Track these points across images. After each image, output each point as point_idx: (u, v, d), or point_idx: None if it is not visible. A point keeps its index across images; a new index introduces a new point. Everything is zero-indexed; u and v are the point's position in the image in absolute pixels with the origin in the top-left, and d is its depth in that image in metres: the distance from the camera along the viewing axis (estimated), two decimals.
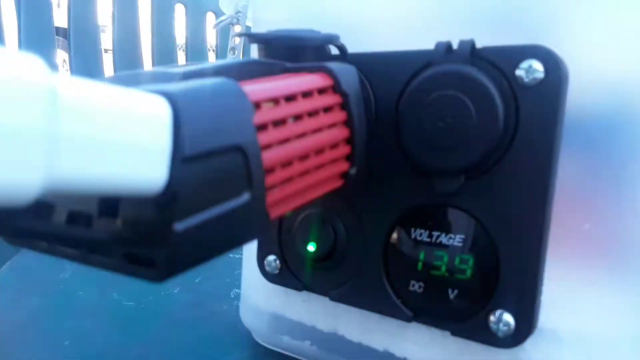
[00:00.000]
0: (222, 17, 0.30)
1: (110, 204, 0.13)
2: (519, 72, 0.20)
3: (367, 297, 0.24)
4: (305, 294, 0.27)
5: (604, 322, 0.21)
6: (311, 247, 0.25)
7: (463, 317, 0.22)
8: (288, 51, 0.21)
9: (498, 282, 0.21)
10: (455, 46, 0.21)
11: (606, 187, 0.20)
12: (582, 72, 0.20)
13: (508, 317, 0.21)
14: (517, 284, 0.21)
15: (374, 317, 0.25)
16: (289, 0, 0.28)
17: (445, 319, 0.22)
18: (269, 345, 0.30)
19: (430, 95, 0.21)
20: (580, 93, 0.20)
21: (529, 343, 0.21)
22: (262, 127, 0.15)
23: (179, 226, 0.12)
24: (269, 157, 0.15)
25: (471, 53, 0.21)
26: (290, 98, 0.16)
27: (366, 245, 0.24)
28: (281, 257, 0.27)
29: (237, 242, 0.14)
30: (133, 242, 0.12)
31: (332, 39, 0.22)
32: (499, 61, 0.20)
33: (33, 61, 0.09)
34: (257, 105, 0.15)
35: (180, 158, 0.12)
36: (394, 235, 0.23)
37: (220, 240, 0.14)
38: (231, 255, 0.47)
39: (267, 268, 0.27)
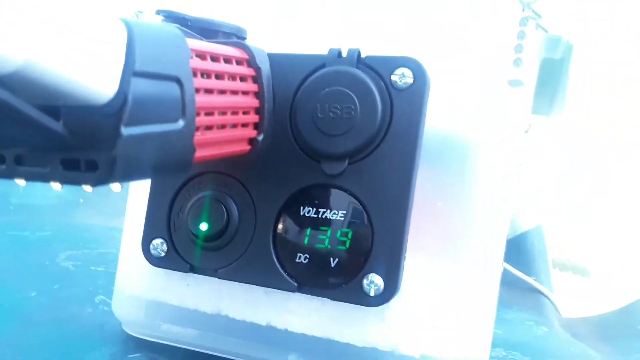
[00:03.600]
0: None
1: (51, 110, 0.13)
2: (394, 77, 0.25)
3: (255, 272, 0.26)
4: (190, 277, 0.28)
5: (450, 290, 0.25)
6: (204, 226, 0.26)
7: (341, 283, 0.25)
8: (201, 32, 0.23)
9: (371, 250, 0.24)
10: (344, 53, 0.25)
11: (453, 178, 0.26)
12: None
13: (378, 279, 0.24)
14: (386, 252, 0.24)
15: (258, 293, 0.27)
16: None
17: (326, 287, 0.25)
18: (144, 336, 0.30)
19: (324, 90, 0.24)
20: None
21: (393, 304, 0.25)
22: (193, 73, 0.17)
23: (126, 131, 0.13)
24: (196, 99, 0.17)
25: (357, 59, 0.25)
26: (214, 58, 0.18)
27: (257, 223, 0.26)
28: (169, 240, 0.27)
29: (167, 168, 0.16)
30: (77, 146, 0.13)
31: (241, 32, 0.24)
32: (378, 67, 0.25)
33: None
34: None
35: (131, 71, 0.13)
36: (284, 213, 0.26)
37: (154, 159, 0.15)
38: (92, 267, 0.45)
39: (152, 252, 0.28)
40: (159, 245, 0.28)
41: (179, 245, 0.27)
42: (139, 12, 0.33)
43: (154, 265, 0.28)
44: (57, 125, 0.13)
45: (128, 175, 0.14)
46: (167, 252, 0.27)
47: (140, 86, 0.14)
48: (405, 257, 0.24)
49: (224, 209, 0.26)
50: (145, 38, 0.14)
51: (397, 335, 0.25)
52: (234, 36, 0.25)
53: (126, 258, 0.30)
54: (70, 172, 0.13)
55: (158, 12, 0.23)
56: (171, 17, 0.23)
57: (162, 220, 0.28)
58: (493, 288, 0.26)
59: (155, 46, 0.14)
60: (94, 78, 0.13)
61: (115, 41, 0.13)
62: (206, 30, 0.23)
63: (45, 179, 0.14)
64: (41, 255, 0.44)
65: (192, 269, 0.27)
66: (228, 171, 0.26)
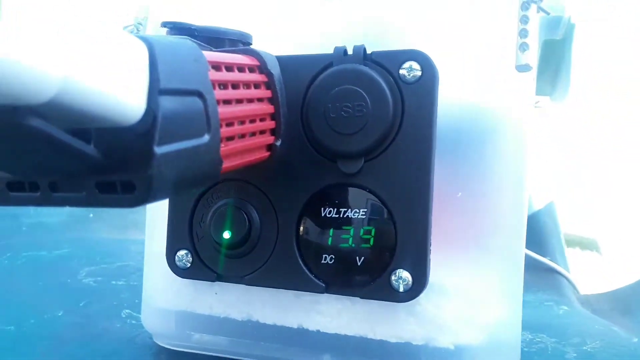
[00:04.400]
0: (126, 25, 0.31)
1: (81, 134, 0.13)
2: (402, 71, 0.25)
3: (282, 277, 0.26)
4: (217, 286, 0.28)
5: (477, 279, 0.26)
6: (227, 234, 0.26)
7: (369, 281, 0.25)
8: (208, 41, 0.23)
9: (396, 246, 0.25)
10: (350, 51, 0.25)
11: (470, 167, 0.26)
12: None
13: (406, 275, 0.24)
14: (411, 246, 0.24)
15: (287, 297, 0.27)
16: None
17: (354, 286, 0.25)
18: (177, 347, 0.30)
19: (334, 89, 0.25)
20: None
21: (423, 298, 0.25)
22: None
23: (159, 150, 0.13)
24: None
25: (363, 56, 0.25)
26: (229, 68, 0.18)
27: (279, 228, 0.26)
28: (193, 251, 0.28)
29: (197, 182, 0.16)
30: (112, 169, 0.13)
31: (246, 37, 0.25)
32: (385, 62, 0.25)
33: None
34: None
35: (157, 89, 0.14)
36: (305, 216, 0.26)
37: (186, 175, 0.15)
38: (113, 282, 0.45)
39: (178, 264, 0.28)
40: (184, 257, 0.28)
41: (203, 255, 0.28)
42: (139, 23, 0.34)
43: (181, 277, 0.28)
44: (91, 150, 0.13)
45: (163, 193, 0.14)
46: (192, 263, 0.28)
47: (166, 104, 0.14)
48: (430, 250, 0.25)
49: (244, 216, 0.26)
50: (165, 55, 0.14)
51: (430, 328, 0.25)
52: (240, 42, 0.25)
53: (151, 271, 0.31)
54: (107, 195, 0.14)
55: (164, 25, 0.23)
56: (177, 28, 0.23)
57: (185, 232, 0.28)
58: (519, 272, 0.26)
59: (176, 62, 0.15)
60: (123, 99, 0.13)
61: (138, 60, 0.13)
62: (213, 39, 0.23)
63: (83, 204, 0.14)
64: (61, 273, 0.45)
65: (219, 278, 0.27)
66: (245, 178, 0.27)
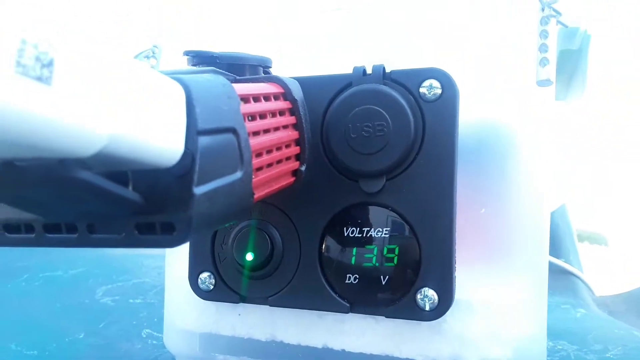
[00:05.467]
0: (143, 50, 0.31)
1: (118, 177, 0.13)
2: (422, 90, 0.25)
3: (306, 297, 0.26)
4: (240, 307, 0.28)
5: (502, 293, 0.26)
6: (249, 256, 0.26)
7: (394, 300, 0.25)
8: (229, 68, 0.23)
9: (420, 264, 0.25)
10: (369, 70, 0.25)
11: (493, 182, 0.26)
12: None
13: (432, 293, 0.24)
14: (436, 264, 0.24)
15: (311, 317, 0.27)
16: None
17: (379, 305, 0.25)
18: None
19: (354, 109, 0.25)
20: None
21: (448, 315, 0.25)
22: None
23: (197, 190, 0.13)
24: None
25: (383, 75, 0.25)
26: (256, 99, 0.19)
27: (301, 249, 0.26)
28: (216, 273, 0.28)
29: (232, 217, 0.16)
30: (151, 210, 0.13)
31: (265, 62, 0.25)
32: (405, 81, 0.25)
33: None
34: None
35: (195, 131, 0.14)
36: (328, 236, 0.26)
37: (221, 210, 0.15)
38: (131, 300, 0.45)
39: (201, 286, 0.28)
40: (206, 279, 0.28)
41: (226, 277, 0.28)
42: (155, 46, 0.34)
43: (204, 299, 0.28)
44: (131, 194, 0.13)
45: (200, 230, 0.14)
46: (215, 285, 0.28)
47: (204, 144, 0.14)
48: (455, 268, 0.24)
49: (267, 237, 0.26)
50: (201, 95, 0.14)
51: (456, 345, 0.25)
52: (261, 67, 0.25)
53: (172, 293, 0.31)
54: (146, 236, 0.14)
55: (186, 53, 0.23)
56: (199, 56, 0.23)
57: (207, 254, 0.28)
58: (543, 285, 0.26)
59: (211, 101, 0.15)
60: (162, 142, 0.13)
61: (176, 104, 0.13)
62: (233, 65, 0.23)
63: (121, 245, 0.14)
64: (79, 293, 0.45)
65: (242, 299, 0.27)
66: (266, 199, 0.27)
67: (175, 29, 0.31)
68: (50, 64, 0.10)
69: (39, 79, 0.09)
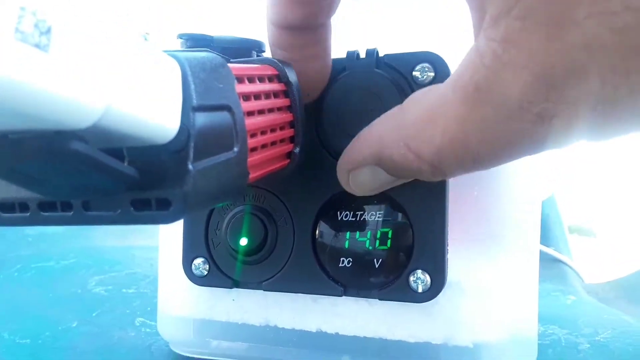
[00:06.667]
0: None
1: (114, 153, 0.13)
2: (416, 73, 0.25)
3: (300, 281, 0.26)
4: (234, 292, 0.28)
5: (493, 276, 0.26)
6: (244, 241, 0.26)
7: (388, 283, 0.25)
8: (224, 51, 0.23)
9: (413, 247, 0.25)
10: (362, 54, 0.25)
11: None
12: None
13: (424, 275, 0.24)
14: (428, 247, 0.25)
15: (305, 301, 0.27)
16: None
17: (372, 287, 0.25)
18: (195, 354, 0.30)
19: (349, 92, 0.25)
20: None
21: (441, 297, 0.25)
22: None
23: (193, 166, 0.14)
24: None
25: (376, 59, 0.25)
26: (251, 79, 0.19)
27: (295, 233, 0.26)
28: (210, 259, 0.28)
29: (226, 195, 0.16)
30: (147, 186, 0.13)
31: (259, 45, 0.25)
32: (398, 65, 0.25)
33: None
34: None
35: (190, 107, 0.14)
36: (321, 220, 0.26)
37: (216, 189, 0.15)
38: (124, 290, 0.45)
39: (194, 272, 0.28)
40: (200, 265, 0.28)
41: (220, 262, 0.28)
42: (146, 33, 0.34)
43: (198, 285, 0.28)
44: (127, 168, 0.13)
45: (196, 208, 0.14)
46: (209, 271, 0.28)
47: (199, 120, 0.14)
48: (448, 249, 0.25)
49: (260, 222, 0.27)
50: (196, 71, 0.14)
51: (448, 327, 0.25)
52: (255, 51, 0.25)
53: (166, 279, 0.31)
54: (142, 212, 0.14)
55: (180, 36, 0.23)
56: (193, 39, 0.23)
57: (201, 240, 0.28)
58: (534, 267, 0.26)
59: (207, 78, 0.15)
60: (159, 118, 0.13)
61: (172, 79, 0.13)
62: (227, 48, 0.23)
63: (117, 222, 0.14)
64: (71, 284, 0.45)
65: (236, 284, 0.27)
66: (260, 184, 0.27)
67: (164, 15, 0.31)
68: (48, 31, 0.10)
69: (37, 45, 0.09)
